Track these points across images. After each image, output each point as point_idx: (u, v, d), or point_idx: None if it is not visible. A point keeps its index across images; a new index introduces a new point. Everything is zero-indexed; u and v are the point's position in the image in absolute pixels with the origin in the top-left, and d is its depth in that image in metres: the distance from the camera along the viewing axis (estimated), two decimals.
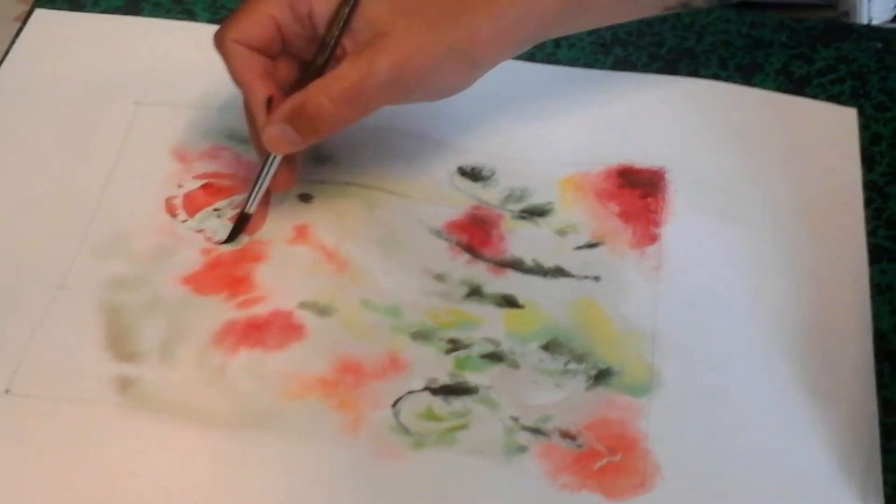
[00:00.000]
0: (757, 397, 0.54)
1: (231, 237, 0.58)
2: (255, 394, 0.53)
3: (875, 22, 0.70)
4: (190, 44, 0.67)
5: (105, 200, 0.60)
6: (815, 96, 0.66)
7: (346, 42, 0.55)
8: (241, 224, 0.58)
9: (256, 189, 0.57)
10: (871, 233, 0.60)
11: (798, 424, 0.53)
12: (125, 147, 0.62)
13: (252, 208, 0.58)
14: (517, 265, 0.58)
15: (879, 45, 0.69)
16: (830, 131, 0.64)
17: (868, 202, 0.62)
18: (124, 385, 0.53)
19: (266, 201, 0.60)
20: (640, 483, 0.51)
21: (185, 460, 0.51)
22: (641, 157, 0.62)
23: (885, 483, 0.52)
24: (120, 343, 0.55)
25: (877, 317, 0.57)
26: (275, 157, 0.56)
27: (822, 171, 0.62)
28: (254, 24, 0.55)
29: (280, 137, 0.54)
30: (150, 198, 0.60)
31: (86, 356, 0.54)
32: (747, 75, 0.67)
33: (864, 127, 0.65)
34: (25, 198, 0.60)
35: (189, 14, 0.69)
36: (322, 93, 0.53)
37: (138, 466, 0.51)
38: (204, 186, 0.61)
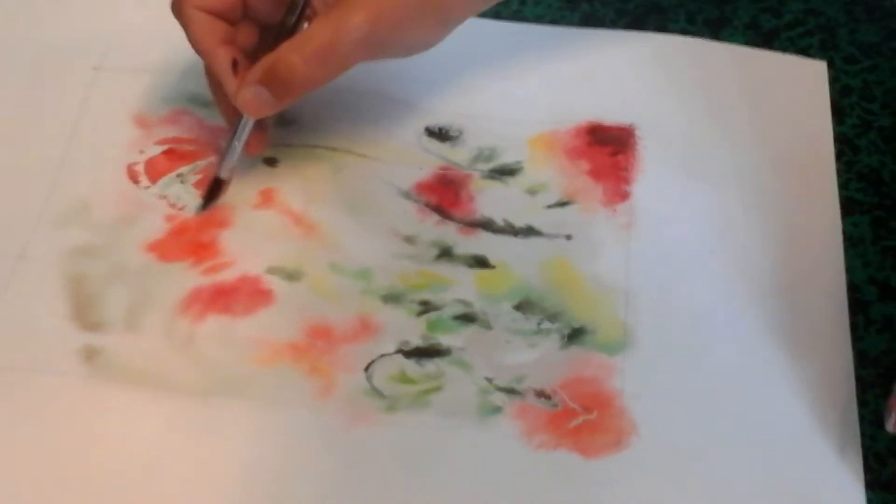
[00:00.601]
0: (731, 353, 0.54)
1: (206, 204, 0.57)
2: (225, 361, 0.52)
3: None
4: (149, 7, 0.65)
5: (65, 168, 0.59)
6: (784, 50, 0.65)
7: (316, 2, 0.53)
8: (216, 190, 0.57)
9: (229, 153, 0.56)
10: (843, 185, 0.60)
11: (774, 379, 0.53)
12: (84, 113, 0.61)
13: (225, 174, 0.56)
14: (487, 225, 0.58)
15: None
16: (800, 85, 0.64)
17: (839, 155, 0.61)
18: (90, 355, 0.52)
19: None
20: (616, 441, 0.51)
21: (155, 430, 0.50)
22: (610, 115, 0.62)
23: (863, 434, 0.51)
24: (85, 313, 0.53)
25: (850, 269, 0.57)
26: (248, 121, 0.55)
27: (792, 124, 0.62)
28: None
29: (254, 100, 0.53)
30: (111, 165, 0.59)
31: (50, 326, 0.53)
32: (715, 30, 0.66)
33: (833, 79, 0.64)
34: None
35: None
36: (294, 52, 0.52)
37: (107, 437, 0.50)
38: (166, 152, 0.60)
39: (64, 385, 0.51)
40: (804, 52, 0.65)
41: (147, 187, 0.58)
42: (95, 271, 0.55)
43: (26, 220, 0.57)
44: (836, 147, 0.61)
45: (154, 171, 0.59)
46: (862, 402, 0.52)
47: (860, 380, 0.53)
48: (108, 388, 0.51)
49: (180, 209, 0.57)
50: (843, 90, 0.64)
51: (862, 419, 0.52)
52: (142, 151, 0.60)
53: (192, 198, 0.58)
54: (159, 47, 0.63)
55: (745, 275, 0.56)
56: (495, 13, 0.66)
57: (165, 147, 0.60)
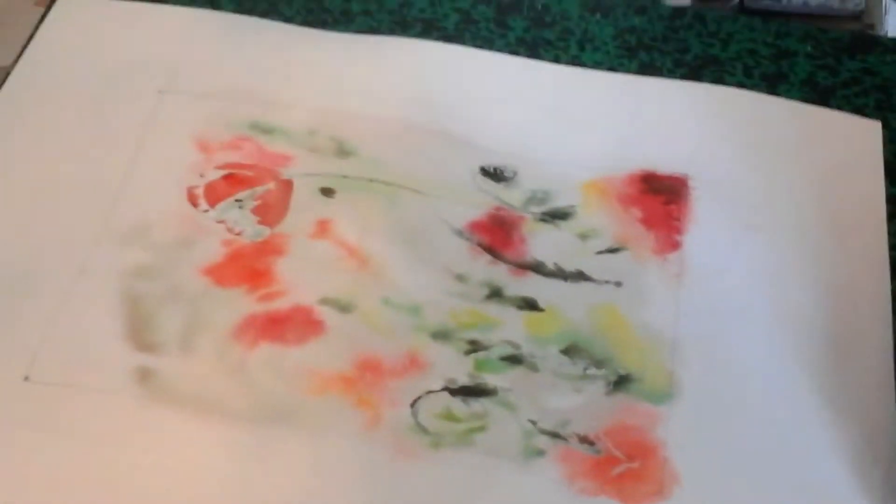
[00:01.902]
0: (776, 408, 0.54)
1: None
2: (275, 388, 0.53)
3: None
4: (214, 32, 0.66)
5: (127, 188, 0.60)
6: (839, 108, 0.66)
7: None
8: None
9: None
10: (894, 247, 0.60)
11: (817, 436, 0.53)
12: (147, 135, 0.62)
13: None
14: (538, 268, 0.58)
15: None
16: (854, 143, 0.64)
17: (891, 216, 0.61)
18: (144, 376, 0.53)
19: (287, 193, 0.60)
20: (658, 490, 0.51)
21: (203, 454, 0.51)
22: (665, 164, 0.62)
23: None
24: (140, 333, 0.54)
25: None
26: None
27: (845, 183, 0.62)
28: None
29: None
30: (171, 187, 0.60)
31: (105, 345, 0.54)
32: (772, 84, 0.66)
33: (888, 140, 0.64)
34: (48, 184, 0.60)
35: (213, 3, 0.69)
36: None
37: (156, 459, 0.51)
38: (226, 177, 0.61)
39: (117, 404, 0.52)
40: (859, 111, 0.66)
41: (206, 211, 0.59)
42: (152, 292, 0.56)
43: (88, 237, 0.58)
44: (887, 208, 0.62)
45: (213, 196, 0.60)
46: None
47: None
48: (160, 409, 0.52)
49: (237, 234, 0.58)
50: None
51: None
52: (202, 175, 0.61)
53: (249, 223, 0.59)
54: (224, 73, 0.64)
55: (793, 330, 0.57)
56: (554, 57, 0.67)
57: (226, 172, 0.61)
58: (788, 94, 0.66)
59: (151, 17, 0.67)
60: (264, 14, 0.68)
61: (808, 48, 0.68)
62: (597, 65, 0.67)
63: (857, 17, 0.71)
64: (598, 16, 0.69)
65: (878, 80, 0.67)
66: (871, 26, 0.71)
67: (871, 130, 0.65)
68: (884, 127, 0.65)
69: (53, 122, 0.62)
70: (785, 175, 0.62)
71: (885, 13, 0.70)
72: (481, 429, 0.53)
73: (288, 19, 0.68)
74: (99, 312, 0.55)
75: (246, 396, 0.53)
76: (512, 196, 0.61)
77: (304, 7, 0.68)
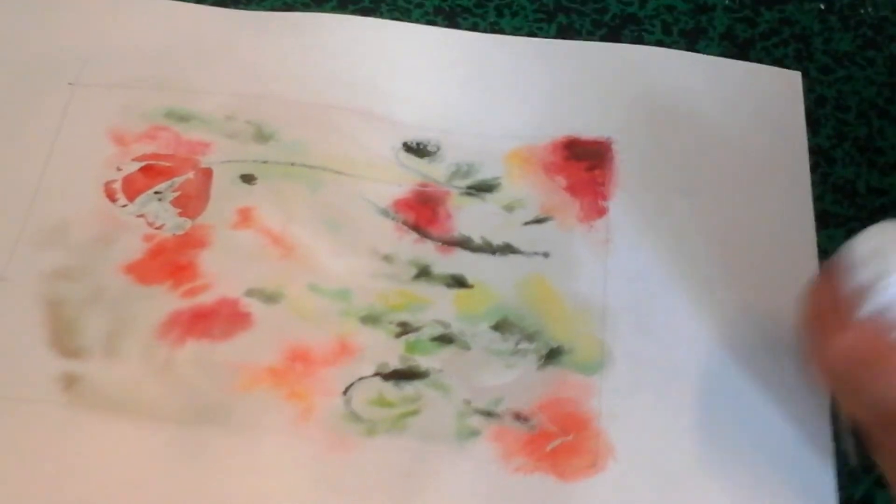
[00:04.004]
0: (709, 373, 0.54)
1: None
2: (204, 387, 0.52)
3: None
4: (122, 19, 0.65)
5: (43, 187, 0.59)
6: (759, 60, 0.66)
7: None
8: None
9: None
10: (818, 198, 0.60)
11: (751, 401, 0.53)
12: (61, 131, 0.61)
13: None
14: (465, 243, 0.58)
15: (822, 6, 0.68)
16: (776, 95, 0.64)
17: (814, 167, 0.62)
18: (69, 383, 0.52)
19: (206, 182, 0.59)
20: (592, 463, 0.51)
21: (133, 458, 0.50)
22: (587, 128, 0.62)
23: (837, 458, 0.52)
24: (63, 338, 0.54)
25: None
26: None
27: (768, 136, 0.62)
28: None
29: None
30: (88, 183, 0.59)
31: (29, 353, 0.53)
32: (692, 41, 0.66)
33: (808, 90, 0.64)
34: None
35: None
36: None
37: (87, 466, 0.50)
38: (143, 169, 0.59)
39: (42, 413, 0.51)
40: (779, 62, 0.66)
41: (124, 205, 0.58)
42: (74, 295, 0.55)
43: (6, 241, 0.57)
44: (811, 158, 0.62)
45: (131, 189, 0.59)
46: (835, 417, 0.53)
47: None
48: (87, 416, 0.51)
49: (158, 228, 0.57)
50: (818, 101, 0.64)
51: (835, 439, 0.53)
52: (119, 169, 0.59)
53: (170, 216, 0.58)
54: (136, 61, 0.63)
55: (720, 290, 0.57)
56: (472, 25, 0.66)
57: (143, 163, 0.60)
58: (708, 50, 0.66)
59: (57, 6, 0.66)
60: None
61: (727, 1, 0.68)
62: (516, 30, 0.66)
63: None
64: None
65: (798, 30, 0.67)
66: None
67: (791, 81, 0.65)
68: (804, 77, 0.65)
69: None
70: (708, 134, 0.62)
71: None
72: (415, 412, 0.53)
73: (199, 0, 0.66)
74: (20, 320, 0.54)
75: (175, 397, 0.52)
76: (436, 171, 0.60)
77: None
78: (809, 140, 0.62)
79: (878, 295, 0.45)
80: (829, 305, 0.47)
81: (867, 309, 0.45)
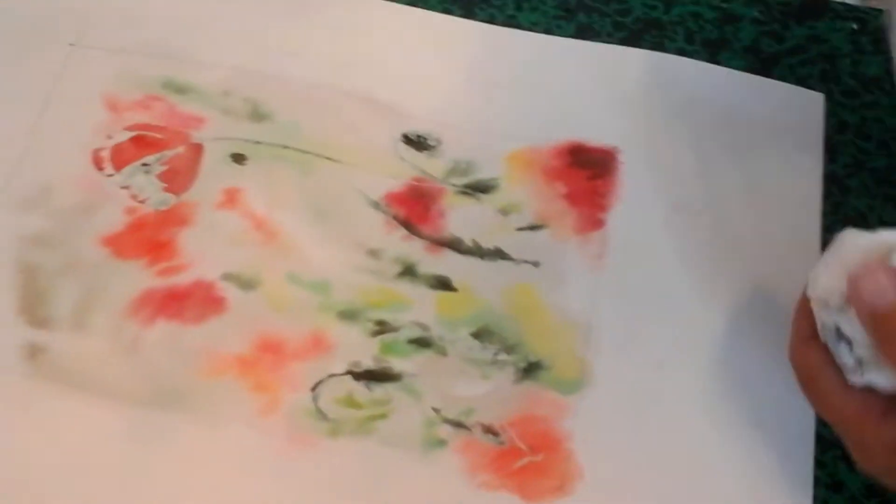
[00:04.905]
0: (690, 403, 0.52)
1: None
2: (169, 370, 0.51)
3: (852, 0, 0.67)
4: None
5: (31, 148, 0.57)
6: (783, 77, 0.63)
7: None
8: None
9: None
10: (827, 228, 0.58)
11: (730, 435, 0.52)
12: (55, 91, 0.59)
13: None
14: (455, 245, 0.56)
15: (854, 26, 0.66)
16: (795, 116, 0.62)
17: (827, 194, 0.59)
18: (33, 353, 0.51)
19: (196, 158, 0.57)
20: (559, 486, 0.50)
21: (92, 437, 0.49)
22: (594, 135, 0.60)
23: (816, 497, 0.50)
24: (33, 307, 0.52)
25: None
26: None
27: (782, 159, 0.60)
28: None
29: None
30: (76, 148, 0.57)
31: None
32: (714, 51, 0.64)
33: (830, 113, 0.62)
34: None
35: None
36: None
37: (43, 440, 0.49)
38: (134, 139, 0.58)
39: (2, 383, 0.50)
40: (803, 81, 0.63)
41: (111, 175, 0.57)
42: (49, 263, 0.54)
43: None
44: (824, 186, 0.59)
45: (119, 159, 0.57)
46: (819, 464, 0.51)
47: (819, 437, 0.52)
48: (47, 388, 0.50)
49: (141, 202, 0.56)
50: (839, 126, 0.62)
51: (817, 482, 0.51)
52: (109, 136, 0.58)
53: (155, 190, 0.56)
54: (139, 27, 0.61)
55: (714, 320, 0.55)
56: (489, 17, 0.64)
57: (134, 133, 0.58)
58: (730, 62, 0.63)
59: None
60: None
61: (755, 12, 0.65)
62: (533, 25, 0.64)
63: None
64: None
65: (826, 49, 0.65)
66: None
67: (813, 103, 0.62)
68: (827, 99, 0.62)
69: None
70: (719, 151, 0.60)
71: None
72: (382, 416, 0.51)
73: None
74: None
75: (138, 378, 0.51)
76: (434, 166, 0.58)
77: None
78: (825, 166, 0.60)
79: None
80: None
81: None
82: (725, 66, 0.63)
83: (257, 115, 0.59)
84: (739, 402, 0.53)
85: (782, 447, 0.51)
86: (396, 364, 0.52)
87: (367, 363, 0.52)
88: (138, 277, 0.54)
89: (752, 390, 0.53)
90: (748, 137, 0.60)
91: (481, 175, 0.58)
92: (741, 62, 0.64)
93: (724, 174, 0.59)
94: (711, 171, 0.59)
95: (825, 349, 0.45)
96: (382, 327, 0.53)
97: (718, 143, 0.60)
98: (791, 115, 0.62)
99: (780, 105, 0.62)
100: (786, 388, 0.52)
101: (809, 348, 0.46)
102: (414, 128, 0.59)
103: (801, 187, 0.59)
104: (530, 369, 0.53)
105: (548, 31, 0.64)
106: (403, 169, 0.58)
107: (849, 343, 0.44)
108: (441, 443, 0.50)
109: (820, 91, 0.63)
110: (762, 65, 0.64)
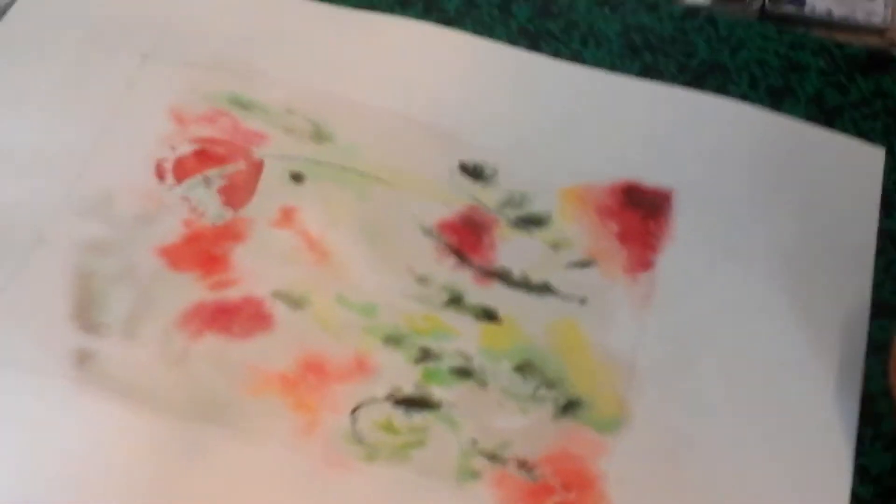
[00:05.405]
0: (730, 452, 0.52)
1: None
2: (213, 384, 0.52)
3: None
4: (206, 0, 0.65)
5: (96, 155, 0.59)
6: (844, 130, 0.63)
7: None
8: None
9: None
10: (878, 285, 0.57)
11: (769, 486, 0.51)
12: (124, 101, 0.60)
13: None
14: (504, 276, 0.56)
15: None
16: (853, 170, 0.61)
17: (880, 251, 0.59)
18: (82, 358, 0.52)
19: (256, 175, 0.58)
20: None
21: (133, 446, 0.50)
22: (650, 175, 0.60)
23: None
24: (86, 312, 0.53)
25: (868, 377, 0.55)
26: None
27: (837, 212, 0.60)
28: None
29: None
30: (140, 157, 0.59)
31: (50, 321, 0.53)
32: (777, 99, 0.64)
33: (890, 169, 0.62)
34: (19, 146, 0.59)
35: None
36: None
37: (86, 446, 0.50)
38: (197, 152, 0.59)
39: (51, 387, 0.51)
40: (865, 135, 0.63)
41: (171, 186, 0.58)
42: (105, 269, 0.55)
43: (52, 203, 0.57)
44: (878, 242, 0.59)
45: (181, 171, 0.58)
46: None
47: (856, 496, 0.52)
48: (94, 395, 0.51)
49: (199, 215, 0.57)
50: None
51: None
52: (173, 148, 0.59)
53: (213, 204, 0.57)
54: (211, 41, 0.63)
55: (760, 369, 0.55)
56: (554, 51, 0.64)
57: (197, 147, 0.59)
58: (793, 111, 0.63)
59: None
60: None
61: (821, 63, 0.65)
62: (598, 62, 0.65)
63: (881, 32, 0.68)
64: (606, 10, 0.67)
65: (891, 103, 0.64)
66: (894, 44, 0.67)
67: (873, 157, 0.62)
68: (888, 153, 0.62)
69: (32, 84, 0.61)
70: (774, 199, 0.60)
71: None
72: (419, 444, 0.51)
73: None
74: (50, 286, 0.54)
75: (182, 389, 0.52)
76: (488, 196, 0.59)
77: None
78: (881, 222, 0.60)
79: None
80: None
81: None
82: (788, 115, 0.63)
83: (319, 135, 0.60)
84: (784, 457, 0.52)
85: (822, 501, 0.51)
86: (437, 392, 0.53)
87: (409, 389, 0.53)
88: (191, 290, 0.54)
89: (799, 443, 0.52)
90: (805, 188, 0.60)
91: (534, 208, 0.59)
92: (804, 111, 0.63)
93: (778, 221, 0.59)
94: (765, 217, 0.59)
95: None
96: (425, 354, 0.54)
97: (773, 190, 0.60)
98: (850, 168, 0.61)
99: (839, 158, 0.62)
100: (832, 440, 0.52)
101: None
102: (471, 157, 0.60)
103: (854, 240, 0.59)
104: (569, 406, 0.53)
105: (612, 68, 0.64)
106: (458, 197, 0.59)
107: None
108: (476, 475, 0.51)
109: (882, 145, 0.62)
110: (825, 116, 0.63)
